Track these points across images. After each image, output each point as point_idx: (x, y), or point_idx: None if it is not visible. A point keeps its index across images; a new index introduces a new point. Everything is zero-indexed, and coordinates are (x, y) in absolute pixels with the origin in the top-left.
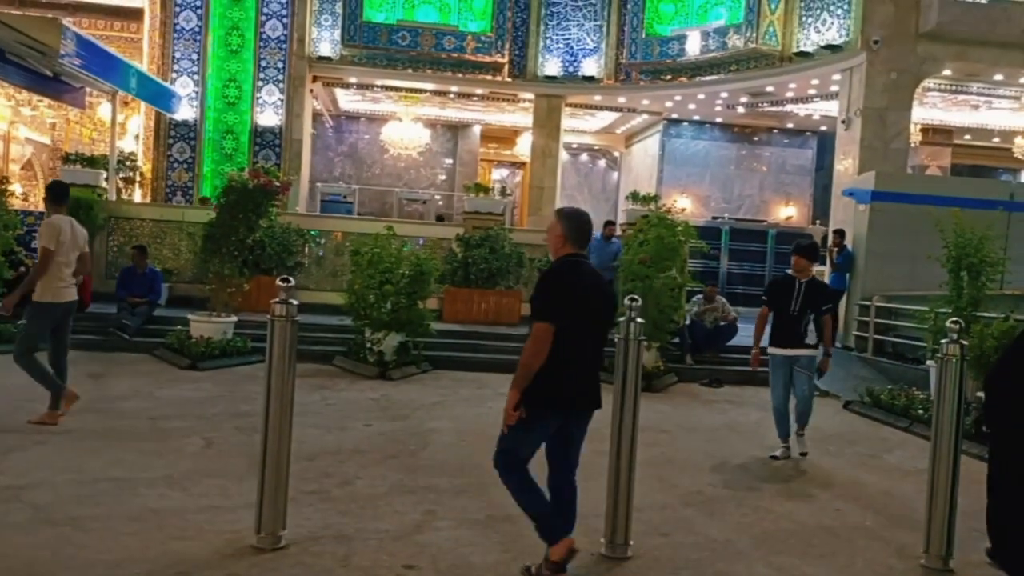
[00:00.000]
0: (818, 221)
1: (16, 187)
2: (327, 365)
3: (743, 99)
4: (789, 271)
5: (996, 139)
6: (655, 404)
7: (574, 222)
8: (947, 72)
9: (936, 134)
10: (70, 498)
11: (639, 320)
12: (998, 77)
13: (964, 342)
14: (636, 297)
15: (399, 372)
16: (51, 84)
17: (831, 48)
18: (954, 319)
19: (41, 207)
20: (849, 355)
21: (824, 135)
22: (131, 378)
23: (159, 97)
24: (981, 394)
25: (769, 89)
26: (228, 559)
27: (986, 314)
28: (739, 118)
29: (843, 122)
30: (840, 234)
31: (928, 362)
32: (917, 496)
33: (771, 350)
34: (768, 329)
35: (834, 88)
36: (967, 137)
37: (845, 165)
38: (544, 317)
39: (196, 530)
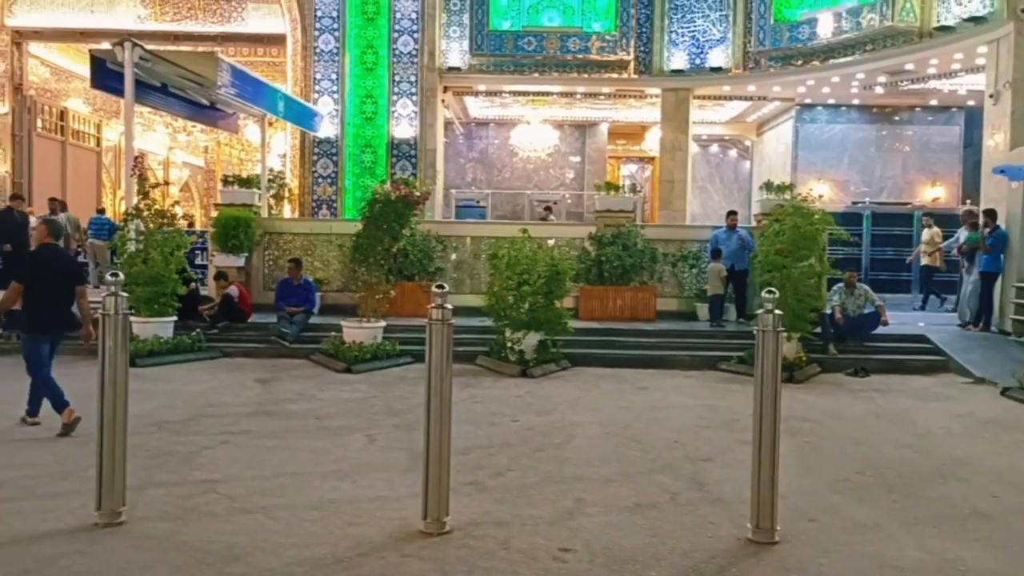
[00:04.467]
0: (968, 201)
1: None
2: (471, 364)
3: (881, 79)
4: None
5: None
6: (798, 394)
7: (49, 226)
8: None
9: None
10: (257, 490)
11: (777, 312)
12: None
13: None
14: (773, 289)
15: (539, 370)
16: (208, 112)
17: (975, 20)
18: None
19: (201, 227)
20: (1006, 339)
21: (972, 110)
22: (294, 382)
23: (303, 117)
24: None
25: (909, 67)
26: (400, 542)
27: None
28: (877, 98)
29: (991, 96)
30: (992, 214)
31: None
32: None
33: None
34: None
35: (980, 61)
36: None
37: (995, 141)
38: (18, 279)
39: (369, 517)
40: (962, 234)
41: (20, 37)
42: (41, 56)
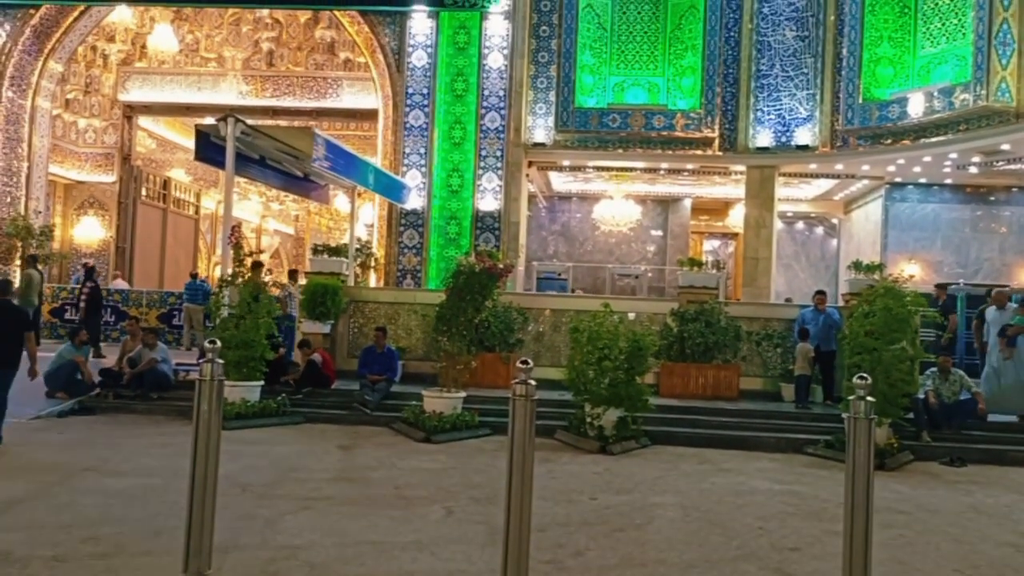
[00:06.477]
0: None
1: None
2: (549, 439)
3: (975, 159)
4: None
5: None
6: (889, 483)
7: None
8: None
9: None
10: (338, 558)
11: (869, 399)
12: None
13: None
14: (866, 375)
15: (619, 446)
16: (301, 183)
17: None
18: None
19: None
20: None
21: None
22: (375, 449)
23: (392, 189)
24: None
25: (1005, 147)
26: None
27: None
28: (972, 178)
29: None
30: None
31: None
32: None
33: None
34: None
35: None
36: None
37: None
38: None
39: None
40: (995, 314)
41: (131, 111)
42: (148, 128)
